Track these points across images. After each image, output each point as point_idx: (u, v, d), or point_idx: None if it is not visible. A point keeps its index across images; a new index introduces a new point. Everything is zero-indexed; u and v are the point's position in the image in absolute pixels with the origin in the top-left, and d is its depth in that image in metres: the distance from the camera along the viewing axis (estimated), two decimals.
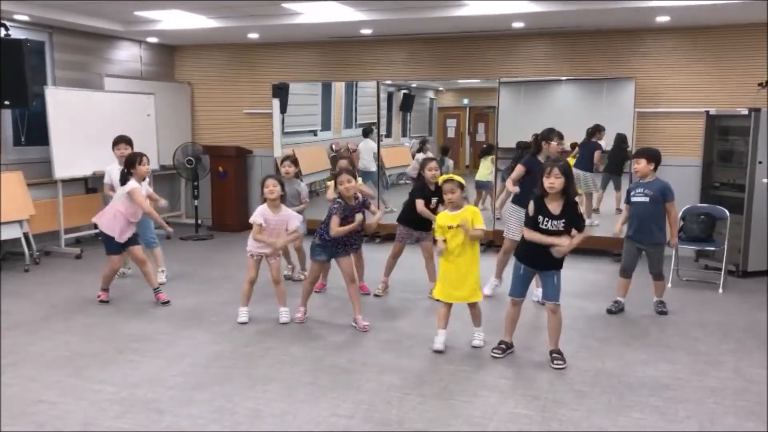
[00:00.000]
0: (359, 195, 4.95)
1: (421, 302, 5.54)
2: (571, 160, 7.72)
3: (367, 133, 8.64)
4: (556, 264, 4.14)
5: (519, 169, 5.33)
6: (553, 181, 4.00)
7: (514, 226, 5.38)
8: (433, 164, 5.48)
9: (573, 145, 7.65)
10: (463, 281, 4.29)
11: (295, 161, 6.25)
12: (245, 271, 5.07)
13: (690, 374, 4.06)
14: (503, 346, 4.33)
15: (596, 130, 7.48)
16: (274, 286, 5.09)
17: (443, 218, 4.32)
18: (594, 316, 5.25)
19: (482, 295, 4.48)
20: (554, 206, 4.07)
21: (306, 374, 4.01)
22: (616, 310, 5.30)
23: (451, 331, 4.54)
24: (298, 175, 6.34)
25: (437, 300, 4.46)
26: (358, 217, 4.85)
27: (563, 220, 4.04)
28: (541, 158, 5.22)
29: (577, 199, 4.36)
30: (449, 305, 4.39)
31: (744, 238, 6.47)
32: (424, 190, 5.45)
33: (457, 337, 4.61)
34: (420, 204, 5.38)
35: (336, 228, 4.73)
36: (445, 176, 4.44)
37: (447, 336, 4.43)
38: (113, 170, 5.99)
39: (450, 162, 8.68)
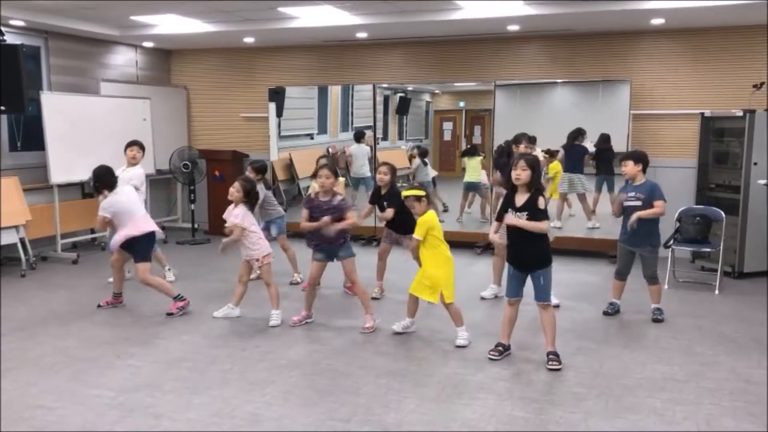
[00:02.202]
0: (339, 197, 4.91)
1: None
2: (557, 165, 7.67)
3: (359, 137, 8.56)
4: (540, 264, 4.20)
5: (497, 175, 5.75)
6: (519, 173, 4.13)
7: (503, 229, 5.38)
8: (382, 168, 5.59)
9: (547, 152, 7.44)
10: (418, 278, 4.65)
11: (257, 168, 6.13)
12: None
13: (687, 376, 4.07)
14: (500, 348, 4.34)
15: (578, 134, 7.48)
16: (266, 289, 5.14)
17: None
18: (591, 318, 5.26)
19: (438, 299, 4.56)
20: (520, 198, 4.18)
21: (303, 378, 4.02)
22: (612, 312, 5.32)
23: (449, 332, 4.63)
24: (266, 182, 6.28)
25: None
26: (324, 219, 4.75)
27: (526, 212, 4.12)
28: None
29: (547, 195, 4.46)
30: (415, 298, 4.74)
31: (740, 239, 6.50)
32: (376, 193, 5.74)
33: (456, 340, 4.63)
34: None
35: (303, 222, 4.87)
36: (404, 192, 4.67)
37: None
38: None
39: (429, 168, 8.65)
